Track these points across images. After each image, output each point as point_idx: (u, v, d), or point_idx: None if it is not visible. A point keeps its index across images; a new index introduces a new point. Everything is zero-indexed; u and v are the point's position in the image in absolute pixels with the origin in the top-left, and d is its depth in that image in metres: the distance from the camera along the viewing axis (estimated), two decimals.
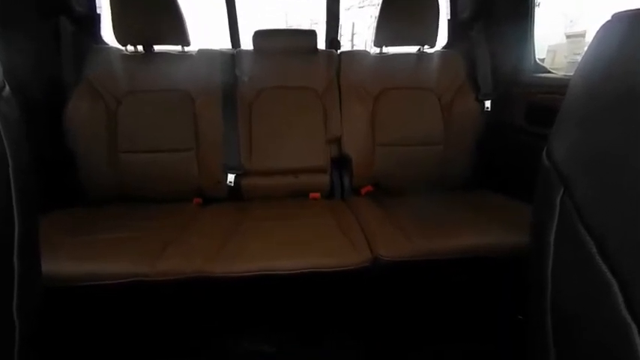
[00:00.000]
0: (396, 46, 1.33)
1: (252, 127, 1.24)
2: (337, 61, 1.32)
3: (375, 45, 1.32)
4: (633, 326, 0.27)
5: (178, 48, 1.25)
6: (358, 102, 1.27)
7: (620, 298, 0.29)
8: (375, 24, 1.30)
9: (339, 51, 1.39)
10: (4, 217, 0.38)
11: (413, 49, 1.34)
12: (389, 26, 1.27)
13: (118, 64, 1.20)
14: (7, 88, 0.40)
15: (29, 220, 0.42)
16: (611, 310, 0.29)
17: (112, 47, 1.26)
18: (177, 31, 1.19)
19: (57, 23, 1.12)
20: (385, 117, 1.27)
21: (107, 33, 1.26)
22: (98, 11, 1.28)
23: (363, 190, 1.27)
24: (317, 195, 1.25)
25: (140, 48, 1.23)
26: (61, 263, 0.77)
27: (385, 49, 1.34)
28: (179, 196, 1.18)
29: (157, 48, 1.25)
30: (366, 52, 1.35)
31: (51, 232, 0.88)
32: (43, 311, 0.47)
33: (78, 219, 1.00)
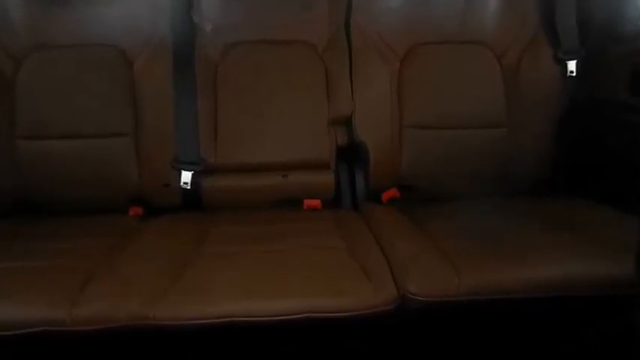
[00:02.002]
0: None
1: (217, 101, 1.24)
2: (346, 2, 1.33)
3: None
4: None
5: None
6: (377, 64, 1.28)
7: None
8: None
9: None
10: None
11: None
12: None
13: (16, 8, 1.20)
14: None
15: None
16: None
17: None
18: None
19: None
20: (418, 86, 1.28)
21: None
22: None
23: (386, 196, 1.28)
24: (316, 203, 1.25)
25: None
26: None
27: None
28: (108, 205, 1.19)
29: None
30: None
31: None
32: None
33: None
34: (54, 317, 0.77)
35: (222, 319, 0.79)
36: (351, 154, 1.30)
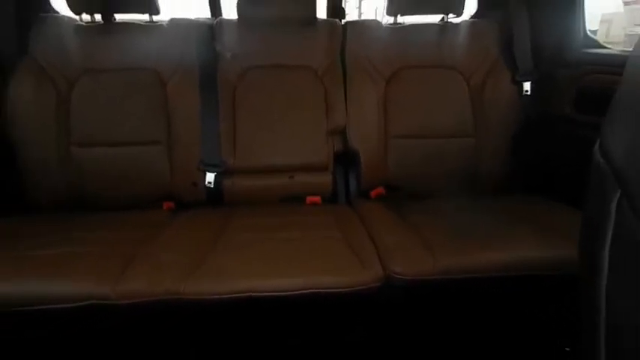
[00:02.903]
0: (413, 14, 1.33)
1: (236, 114, 1.24)
2: (341, 34, 1.33)
3: (387, 14, 1.33)
4: None
5: (145, 17, 1.26)
6: (367, 84, 1.28)
7: None
8: None
9: (343, 21, 1.40)
10: None
11: (435, 18, 1.35)
12: None
13: (70, 38, 1.21)
14: None
15: None
16: None
17: (63, 16, 1.26)
18: None
19: None
20: (400, 103, 1.28)
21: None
22: None
23: (374, 193, 1.28)
24: (317, 199, 1.25)
25: (98, 17, 1.23)
26: None
27: (401, 19, 1.35)
28: (146, 201, 1.19)
29: (119, 17, 1.25)
30: (377, 22, 1.36)
31: None
32: None
33: (20, 229, 1.00)
34: (101, 292, 0.77)
35: (239, 295, 0.79)
36: (345, 159, 1.30)
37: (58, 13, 1.30)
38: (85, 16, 1.23)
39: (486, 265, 0.86)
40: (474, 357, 0.96)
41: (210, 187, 1.20)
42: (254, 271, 0.83)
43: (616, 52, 1.15)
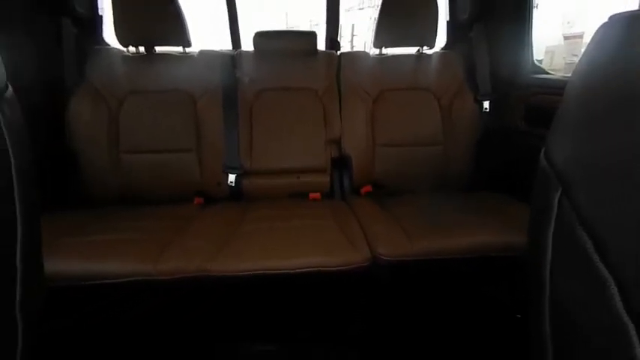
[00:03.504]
0: (395, 47, 1.33)
1: (252, 127, 1.24)
2: (337, 63, 1.33)
3: (374, 46, 1.32)
4: (631, 326, 0.27)
5: (179, 49, 1.25)
6: (358, 103, 1.28)
7: (617, 298, 0.29)
8: (374, 25, 1.31)
9: (338, 52, 1.39)
10: (6, 218, 0.38)
11: (412, 50, 1.35)
12: (388, 27, 1.28)
13: (119, 65, 1.21)
14: (10, 89, 0.40)
15: (32, 221, 0.42)
16: (608, 310, 0.29)
17: (113, 48, 1.26)
18: (178, 32, 1.19)
19: (59, 24, 1.12)
20: (384, 118, 1.27)
21: (109, 34, 1.26)
22: (100, 13, 1.28)
23: (363, 190, 1.27)
24: (317, 195, 1.25)
25: (141, 49, 1.23)
26: (65, 262, 0.77)
27: (384, 51, 1.34)
28: (180, 197, 1.18)
29: (158, 49, 1.25)
30: (366, 53, 1.36)
31: (54, 233, 0.88)
32: (46, 311, 0.47)
33: (80, 220, 1.00)
34: (144, 270, 0.78)
35: (255, 272, 0.79)
36: (340, 163, 1.30)
37: (109, 45, 1.30)
38: (131, 48, 1.22)
39: (453, 248, 0.85)
40: (445, 323, 0.95)
41: (231, 186, 1.20)
42: (266, 253, 0.83)
43: (558, 78, 1.15)
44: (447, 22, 1.43)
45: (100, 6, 1.27)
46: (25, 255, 0.40)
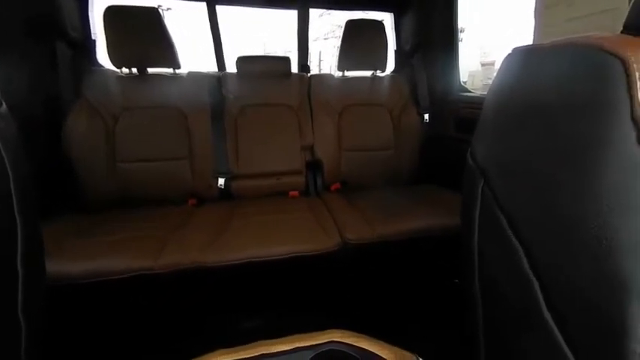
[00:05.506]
0: (354, 70, 1.35)
1: (238, 137, 1.21)
2: (308, 83, 1.32)
3: (338, 69, 1.34)
4: (535, 282, 0.30)
5: (170, 70, 1.19)
6: (326, 116, 1.29)
7: (524, 260, 0.32)
8: (337, 52, 1.33)
9: (309, 74, 1.39)
10: (6, 226, 0.35)
11: (368, 73, 1.38)
12: (349, 55, 1.30)
13: (114, 84, 1.12)
14: (4, 105, 0.36)
15: (31, 227, 0.38)
16: (519, 270, 0.32)
17: (107, 69, 1.17)
18: (168, 55, 1.13)
19: (54, 47, 1.02)
20: (348, 128, 1.29)
21: (102, 56, 1.16)
22: (93, 37, 1.18)
23: (333, 187, 1.28)
24: (295, 193, 1.24)
25: (134, 70, 1.15)
26: (68, 263, 0.71)
27: (346, 73, 1.36)
28: (175, 199, 1.12)
29: (150, 70, 1.17)
30: (331, 75, 1.37)
31: (56, 236, 0.80)
32: (49, 310, 0.43)
33: (81, 223, 0.92)
34: (145, 265, 0.73)
35: (244, 260, 0.77)
36: (314, 166, 1.29)
37: (103, 66, 1.20)
38: (124, 69, 1.14)
39: (405, 231, 0.88)
40: (401, 290, 0.98)
41: (221, 188, 1.16)
42: (253, 243, 0.81)
43: (478, 95, 1.22)
44: (395, 51, 1.49)
45: (92, 30, 1.17)
46: (26, 260, 0.36)
